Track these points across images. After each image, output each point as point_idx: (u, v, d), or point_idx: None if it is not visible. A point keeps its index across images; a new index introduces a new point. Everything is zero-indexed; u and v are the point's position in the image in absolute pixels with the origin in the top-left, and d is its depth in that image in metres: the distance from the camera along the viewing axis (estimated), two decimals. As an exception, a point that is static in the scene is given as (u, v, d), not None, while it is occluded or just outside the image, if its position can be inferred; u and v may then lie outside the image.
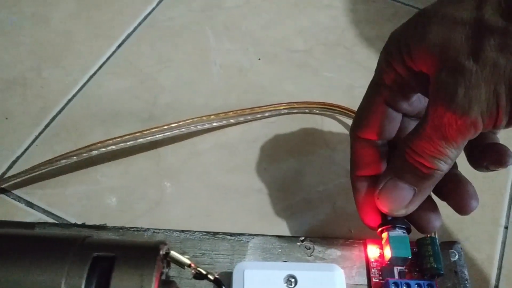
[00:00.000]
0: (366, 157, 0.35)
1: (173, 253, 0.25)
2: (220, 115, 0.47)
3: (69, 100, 0.49)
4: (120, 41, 0.53)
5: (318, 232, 0.41)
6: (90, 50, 0.52)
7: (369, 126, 0.34)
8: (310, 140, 0.47)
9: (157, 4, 0.56)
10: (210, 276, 0.25)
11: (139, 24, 0.55)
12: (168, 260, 0.26)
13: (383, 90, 0.34)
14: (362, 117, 0.35)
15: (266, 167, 0.45)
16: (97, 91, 0.49)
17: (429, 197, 0.34)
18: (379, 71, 0.34)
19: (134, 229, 0.35)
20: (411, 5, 0.58)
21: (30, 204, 0.42)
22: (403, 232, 0.32)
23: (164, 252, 0.25)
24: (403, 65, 0.32)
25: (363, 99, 0.35)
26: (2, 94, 0.48)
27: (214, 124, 0.47)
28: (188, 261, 0.25)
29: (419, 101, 0.35)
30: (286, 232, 0.41)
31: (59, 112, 0.48)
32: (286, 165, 0.45)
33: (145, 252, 0.24)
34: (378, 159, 0.35)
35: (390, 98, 0.34)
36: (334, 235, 0.41)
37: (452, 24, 0.29)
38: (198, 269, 0.25)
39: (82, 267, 0.23)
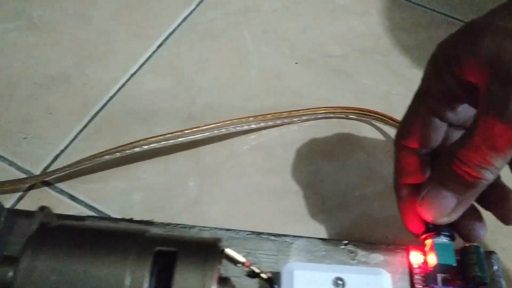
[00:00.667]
0: (410, 165, 0.35)
1: (228, 250, 0.26)
2: (258, 117, 0.48)
3: (110, 98, 0.50)
4: (160, 41, 0.54)
5: (354, 236, 0.42)
6: (130, 49, 0.53)
7: (414, 135, 0.35)
8: (347, 145, 0.48)
9: (196, 6, 0.57)
10: (263, 275, 0.26)
11: (179, 25, 0.56)
12: (221, 257, 0.27)
13: (429, 100, 0.34)
14: (407, 126, 0.35)
15: (303, 170, 0.46)
16: (137, 90, 0.51)
17: (474, 206, 0.34)
18: (426, 81, 0.35)
19: (181, 225, 0.36)
20: (448, 14, 0.59)
21: (73, 198, 0.44)
22: (448, 240, 0.33)
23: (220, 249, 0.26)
24: (451, 76, 0.32)
25: (409, 108, 0.36)
26: (46, 90, 0.50)
27: (252, 126, 0.48)
28: (243, 259, 0.26)
29: (464, 111, 0.35)
30: (322, 235, 0.42)
31: (101, 109, 0.49)
32: (322, 169, 0.46)
33: (205, 248, 0.25)
34: (422, 168, 0.35)
35: (436, 108, 0.34)
36: (369, 240, 0.41)
37: (506, 36, 0.29)
38: (251, 267, 0.26)
39: (145, 260, 0.24)
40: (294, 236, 0.35)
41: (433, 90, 0.34)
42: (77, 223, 0.28)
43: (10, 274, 0.26)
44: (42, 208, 0.27)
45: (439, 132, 0.35)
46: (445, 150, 0.33)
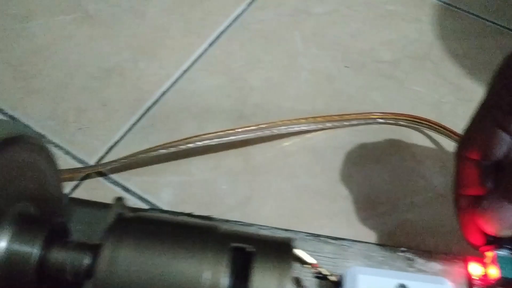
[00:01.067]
0: (472, 177, 0.35)
1: (298, 250, 0.26)
2: (309, 119, 0.48)
3: (163, 93, 0.51)
4: (212, 39, 0.55)
5: (404, 243, 0.42)
6: (183, 46, 0.54)
7: (478, 147, 0.35)
8: (397, 152, 0.47)
9: (248, 6, 0.58)
10: (332, 278, 0.26)
11: (230, 24, 0.56)
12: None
13: (495, 113, 0.34)
14: (471, 137, 0.35)
15: (352, 175, 0.46)
16: (190, 86, 0.51)
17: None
18: (492, 93, 0.34)
19: (240, 223, 0.36)
20: (499, 23, 0.58)
21: (126, 189, 0.45)
22: (510, 253, 0.32)
23: (292, 249, 0.26)
24: None
25: (473, 119, 0.35)
26: (101, 82, 0.51)
27: (303, 127, 0.48)
28: (313, 260, 0.26)
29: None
30: (372, 241, 0.42)
31: (154, 103, 0.50)
32: (372, 174, 0.46)
33: (280, 247, 0.25)
34: (483, 179, 0.35)
35: (503, 121, 0.34)
36: (419, 248, 0.41)
37: None
38: (320, 269, 0.26)
39: (223, 257, 0.24)
40: (352, 241, 0.35)
41: (502, 103, 0.34)
42: (153, 214, 0.29)
43: (86, 261, 0.26)
44: (119, 199, 0.27)
45: (503, 145, 0.35)
46: (510, 163, 0.33)
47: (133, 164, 0.46)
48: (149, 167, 0.46)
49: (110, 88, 0.51)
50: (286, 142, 0.48)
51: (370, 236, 0.42)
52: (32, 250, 0.26)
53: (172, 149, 0.46)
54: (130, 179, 0.45)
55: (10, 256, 0.25)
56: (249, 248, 0.25)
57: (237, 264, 0.24)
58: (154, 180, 0.45)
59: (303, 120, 0.48)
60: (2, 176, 0.25)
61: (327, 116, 0.49)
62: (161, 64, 0.53)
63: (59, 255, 0.26)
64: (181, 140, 0.46)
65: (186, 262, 0.24)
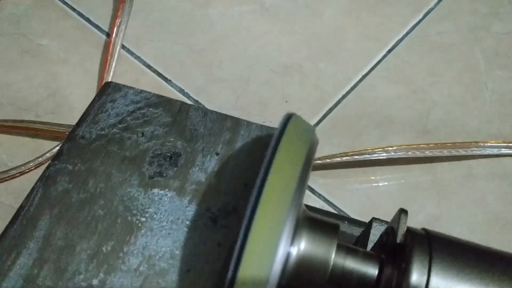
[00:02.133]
0: None
1: None
2: (500, 142, 0.46)
3: (344, 96, 0.50)
4: (389, 46, 0.53)
5: None
6: (361, 50, 0.53)
7: None
8: None
9: (424, 16, 0.56)
10: None
11: (408, 33, 0.55)
12: None
13: None
14: None
15: (546, 208, 0.44)
16: (370, 92, 0.50)
17: None
18: None
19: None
20: None
21: (312, 190, 0.44)
22: None
23: None
24: None
25: None
26: (281, 78, 0.50)
27: (494, 150, 0.46)
28: None
29: None
30: None
31: (335, 106, 0.49)
32: None
33: None
34: None
35: None
36: None
37: None
38: None
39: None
40: None
41: None
42: (444, 234, 0.27)
43: (371, 271, 0.25)
44: (406, 212, 0.26)
45: None
46: None
47: (319, 166, 0.45)
48: (334, 171, 0.45)
49: (291, 85, 0.50)
50: (474, 164, 0.46)
51: None
52: (327, 255, 0.25)
53: (357, 157, 0.45)
54: (316, 180, 0.45)
55: (308, 259, 0.25)
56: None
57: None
58: (339, 184, 0.44)
59: (495, 144, 0.46)
60: (307, 182, 0.25)
61: (518, 142, 0.47)
62: (340, 66, 0.52)
63: (350, 263, 0.25)
64: (367, 149, 0.45)
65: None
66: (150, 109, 0.32)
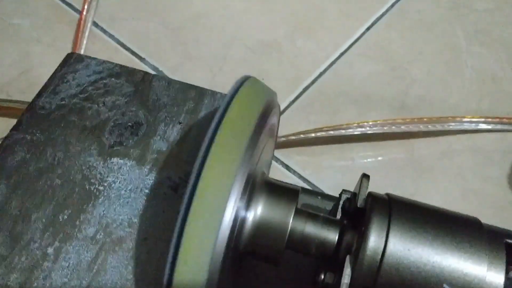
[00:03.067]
0: None
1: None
2: (479, 118, 0.45)
3: (321, 74, 0.49)
4: (369, 23, 0.53)
5: None
6: (340, 27, 0.52)
7: None
8: None
9: (404, -6, 0.56)
10: None
11: (387, 10, 0.54)
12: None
13: None
14: None
15: (524, 183, 0.43)
16: (348, 70, 0.49)
17: None
18: None
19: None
20: None
21: (287, 167, 0.43)
22: None
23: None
24: None
25: None
26: (258, 56, 0.50)
27: (468, 126, 0.45)
28: None
29: None
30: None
31: (312, 83, 0.48)
32: (545, 185, 0.43)
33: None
34: None
35: None
36: None
37: None
38: None
39: (501, 253, 0.23)
40: None
41: None
42: (406, 198, 0.27)
43: (331, 237, 0.25)
44: (367, 177, 0.26)
45: None
46: None
47: (294, 142, 0.44)
48: (310, 147, 0.44)
49: (268, 63, 0.49)
50: (451, 140, 0.45)
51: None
52: (285, 220, 0.24)
53: (332, 133, 0.44)
54: (292, 157, 0.44)
55: (264, 224, 0.25)
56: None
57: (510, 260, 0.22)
58: (315, 161, 0.44)
59: (474, 119, 0.45)
60: (261, 146, 0.24)
61: (495, 117, 0.46)
62: (318, 44, 0.51)
63: (309, 228, 0.25)
64: (342, 124, 0.44)
65: (463, 257, 0.22)
66: (112, 79, 0.31)
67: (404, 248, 0.22)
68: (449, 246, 0.23)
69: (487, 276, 0.22)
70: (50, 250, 0.25)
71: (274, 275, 0.30)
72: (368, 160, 0.44)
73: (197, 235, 0.20)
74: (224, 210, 0.20)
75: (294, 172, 0.43)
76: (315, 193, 0.41)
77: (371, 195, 0.25)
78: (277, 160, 0.44)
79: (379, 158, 0.44)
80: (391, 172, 0.44)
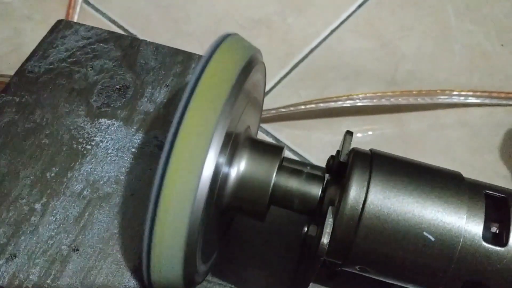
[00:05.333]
0: None
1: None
2: (468, 92, 0.46)
3: (312, 50, 0.49)
4: (360, 1, 0.53)
5: None
6: (331, 4, 0.52)
7: None
8: (562, 137, 0.45)
9: (396, -28, 0.56)
10: None
11: (379, -12, 0.54)
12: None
13: None
14: None
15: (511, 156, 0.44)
16: (339, 46, 0.50)
17: None
18: None
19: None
20: None
21: (277, 140, 0.44)
22: None
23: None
24: None
25: None
26: (249, 32, 0.50)
27: (458, 99, 0.46)
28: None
29: None
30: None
31: (303, 59, 0.49)
32: (533, 157, 0.43)
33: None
34: None
35: None
36: None
37: None
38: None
39: (480, 203, 0.23)
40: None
41: None
42: (388, 153, 0.27)
43: (315, 191, 0.25)
44: (351, 133, 0.26)
45: None
46: None
47: (285, 116, 0.45)
48: (300, 121, 0.45)
49: (259, 39, 0.50)
50: (441, 114, 0.46)
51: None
52: (268, 175, 0.25)
53: (322, 105, 0.44)
54: (282, 130, 0.44)
55: (247, 179, 0.25)
56: (500, 195, 0.23)
57: (489, 212, 0.23)
58: (305, 134, 0.44)
59: (463, 93, 0.46)
60: (242, 101, 0.24)
61: (486, 92, 0.46)
62: (309, 20, 0.51)
63: (293, 183, 0.25)
64: (332, 97, 0.44)
65: (443, 206, 0.22)
66: (101, 44, 0.31)
67: (385, 197, 0.23)
68: (429, 195, 0.23)
69: (466, 225, 0.22)
70: (37, 205, 0.26)
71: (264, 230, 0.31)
72: (359, 134, 0.44)
73: (175, 189, 0.20)
74: (202, 164, 0.20)
75: (285, 145, 0.43)
76: (304, 163, 0.41)
77: (353, 150, 0.25)
78: (268, 133, 0.44)
79: (369, 132, 0.44)
80: (381, 146, 0.44)
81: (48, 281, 0.23)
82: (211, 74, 0.22)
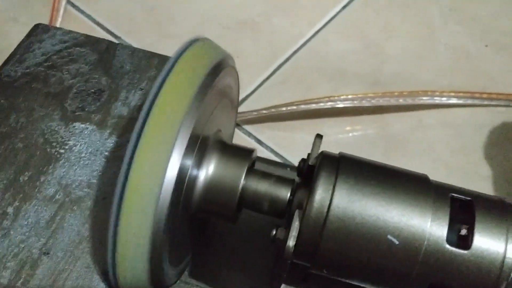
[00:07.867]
0: None
1: None
2: (451, 93, 0.46)
3: (296, 51, 0.49)
4: (345, 2, 0.53)
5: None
6: (316, 6, 0.53)
7: None
8: (543, 138, 0.45)
9: (381, -27, 0.56)
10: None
11: (364, -11, 0.54)
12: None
13: None
14: None
15: (494, 156, 0.43)
16: (323, 47, 0.50)
17: None
18: None
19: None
20: None
21: (260, 142, 0.44)
22: None
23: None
24: None
25: None
26: (234, 34, 0.50)
27: (441, 100, 0.46)
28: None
29: None
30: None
31: (287, 60, 0.49)
32: (515, 158, 0.44)
33: (499, 203, 0.24)
34: None
35: None
36: None
37: None
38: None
39: (445, 206, 0.23)
40: None
41: None
42: (357, 156, 0.27)
43: (283, 194, 0.25)
44: (320, 137, 0.26)
45: None
46: None
47: (267, 118, 0.45)
48: (283, 123, 0.45)
49: (243, 40, 0.50)
50: (424, 115, 0.46)
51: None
52: (237, 178, 0.25)
53: (303, 107, 0.45)
54: (264, 132, 0.44)
55: (216, 182, 0.25)
56: (466, 198, 0.23)
57: (454, 214, 0.23)
58: (288, 136, 0.44)
59: (445, 93, 0.46)
60: (210, 103, 0.24)
61: (468, 92, 0.46)
62: (293, 22, 0.51)
63: (262, 186, 0.25)
64: (313, 99, 0.45)
65: (407, 209, 0.23)
66: (77, 48, 0.32)
67: (350, 200, 0.23)
68: (394, 198, 0.23)
69: (430, 228, 0.22)
70: (10, 209, 0.26)
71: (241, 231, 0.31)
72: (340, 135, 0.45)
73: (138, 190, 0.20)
74: (166, 165, 0.21)
75: (267, 147, 0.44)
76: (284, 165, 0.41)
77: (322, 154, 0.25)
78: (250, 134, 0.44)
79: (351, 133, 0.45)
80: (363, 147, 0.44)
81: (18, 284, 0.24)
82: (177, 76, 0.22)
